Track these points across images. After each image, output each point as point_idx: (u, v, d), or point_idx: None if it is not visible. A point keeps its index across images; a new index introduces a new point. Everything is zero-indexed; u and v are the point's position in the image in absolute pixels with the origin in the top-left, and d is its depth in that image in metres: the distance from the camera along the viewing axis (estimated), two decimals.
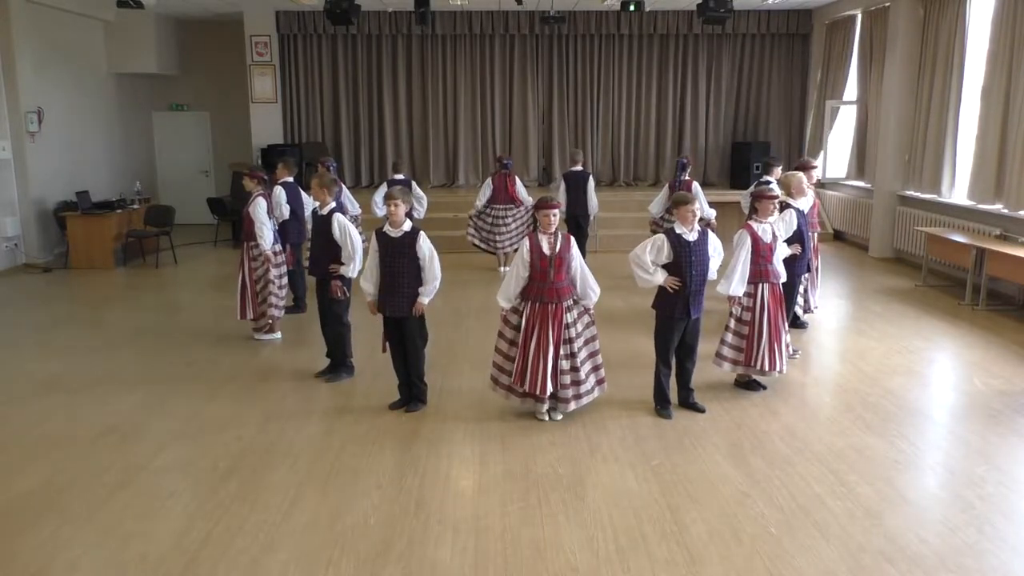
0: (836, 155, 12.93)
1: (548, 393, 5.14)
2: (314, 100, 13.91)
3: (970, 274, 8.55)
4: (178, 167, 14.69)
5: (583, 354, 5.24)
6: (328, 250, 5.90)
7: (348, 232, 5.86)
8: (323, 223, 5.92)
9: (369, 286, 5.39)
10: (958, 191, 9.80)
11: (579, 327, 5.18)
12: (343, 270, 5.88)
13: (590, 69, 13.99)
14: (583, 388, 5.25)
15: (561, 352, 5.12)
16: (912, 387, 6.01)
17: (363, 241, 6.29)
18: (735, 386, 5.94)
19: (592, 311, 5.28)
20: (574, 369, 5.20)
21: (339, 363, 6.20)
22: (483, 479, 4.50)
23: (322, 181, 5.96)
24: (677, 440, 5.02)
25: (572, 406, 5.25)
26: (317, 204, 6.04)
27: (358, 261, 5.90)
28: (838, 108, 12.64)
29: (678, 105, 14.10)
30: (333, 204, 5.98)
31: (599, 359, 5.36)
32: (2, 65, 10.30)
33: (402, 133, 14.07)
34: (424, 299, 5.36)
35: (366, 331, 7.13)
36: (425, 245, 5.29)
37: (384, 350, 5.51)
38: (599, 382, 5.38)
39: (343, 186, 9.28)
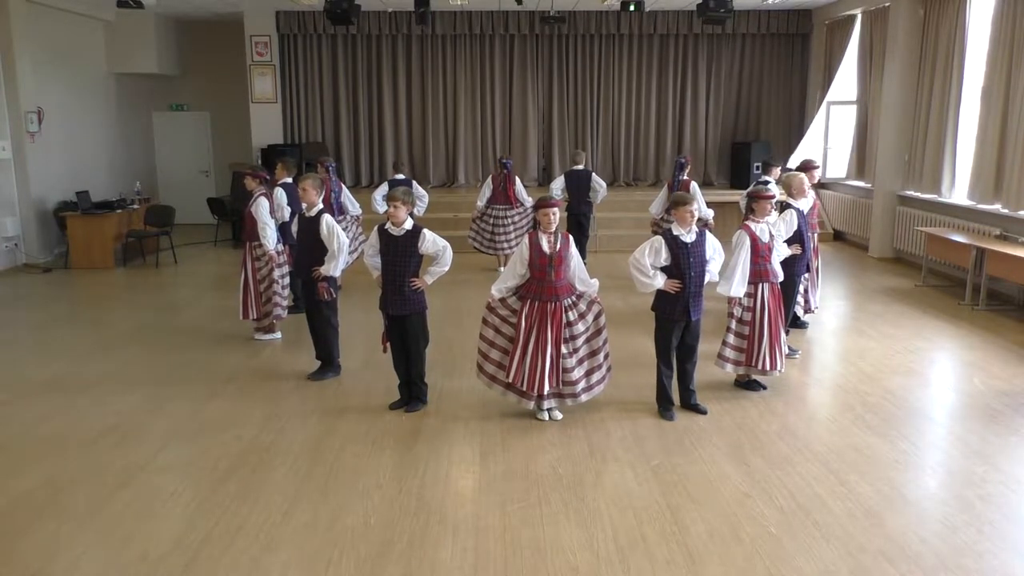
0: (836, 155, 12.94)
1: (546, 392, 5.14)
2: (314, 100, 13.91)
3: (970, 274, 8.55)
4: (178, 167, 14.69)
5: (587, 349, 5.23)
6: (315, 251, 5.94)
7: (335, 232, 5.91)
8: (311, 224, 5.96)
9: (375, 261, 5.42)
10: (958, 191, 9.80)
11: (581, 326, 5.18)
12: (323, 269, 5.91)
13: (590, 69, 13.99)
14: (594, 378, 5.27)
15: (563, 350, 5.12)
16: (912, 387, 6.01)
17: (362, 241, 6.30)
18: (735, 386, 5.94)
19: (599, 299, 5.26)
20: (580, 363, 5.21)
21: (326, 363, 6.23)
22: (483, 479, 4.50)
23: (313, 182, 5.98)
24: (677, 440, 5.02)
25: (584, 398, 5.27)
26: (304, 206, 6.06)
27: (341, 261, 5.95)
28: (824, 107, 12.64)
29: (678, 105, 14.10)
30: (320, 206, 6.01)
31: (608, 348, 5.33)
32: (2, 65, 10.30)
33: (402, 133, 14.07)
34: (428, 278, 5.39)
35: (366, 331, 7.14)
36: (430, 239, 5.31)
37: (385, 350, 5.51)
38: (607, 371, 5.36)
39: (343, 186, 9.31)
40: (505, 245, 9.85)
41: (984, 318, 7.96)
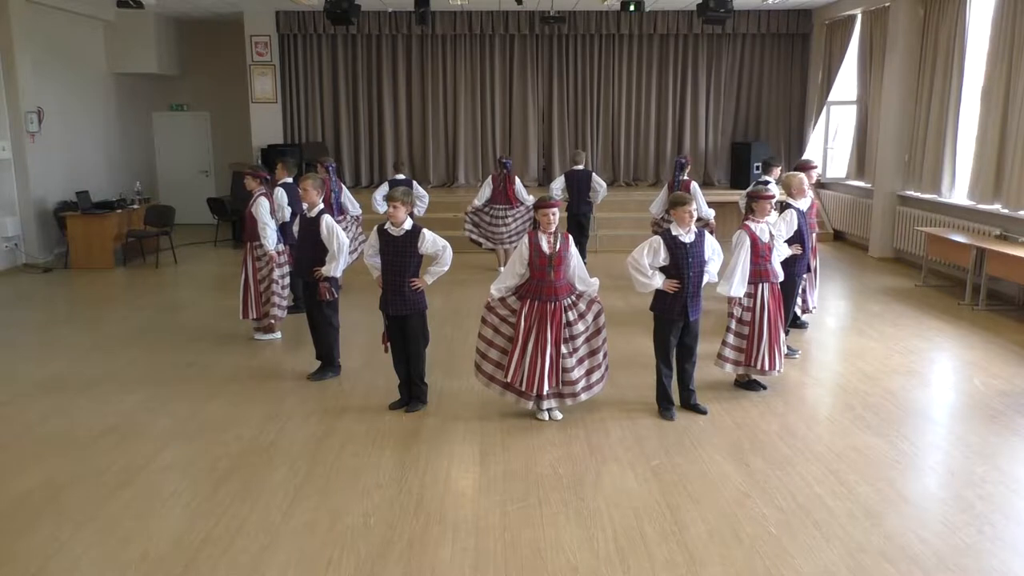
0: (836, 155, 12.94)
1: (546, 392, 5.14)
2: (314, 100, 13.91)
3: (970, 274, 8.55)
4: (178, 167, 14.69)
5: (586, 348, 5.23)
6: (315, 252, 5.95)
7: (335, 233, 5.92)
8: (311, 225, 5.98)
9: (374, 261, 5.43)
10: (958, 191, 9.80)
11: (581, 326, 5.18)
12: (324, 270, 5.92)
13: (590, 69, 13.98)
14: (594, 377, 5.27)
15: (563, 350, 5.12)
16: (912, 387, 6.01)
17: (362, 241, 6.30)
18: (735, 386, 5.94)
19: (599, 298, 5.26)
20: (580, 363, 5.21)
21: (327, 363, 6.24)
22: (483, 479, 4.50)
23: (314, 183, 5.99)
24: (677, 440, 5.03)
25: (583, 396, 5.28)
26: (305, 206, 6.06)
27: (342, 261, 5.95)
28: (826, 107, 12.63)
29: (678, 105, 14.09)
30: (321, 206, 6.02)
31: (606, 347, 5.33)
32: (2, 65, 10.29)
33: (402, 133, 14.06)
34: (428, 278, 5.39)
35: (366, 331, 7.14)
36: (430, 239, 5.32)
37: (386, 350, 5.51)
38: (606, 370, 5.36)
39: (343, 186, 9.30)
40: (506, 237, 9.84)
41: (984, 318, 7.96)
